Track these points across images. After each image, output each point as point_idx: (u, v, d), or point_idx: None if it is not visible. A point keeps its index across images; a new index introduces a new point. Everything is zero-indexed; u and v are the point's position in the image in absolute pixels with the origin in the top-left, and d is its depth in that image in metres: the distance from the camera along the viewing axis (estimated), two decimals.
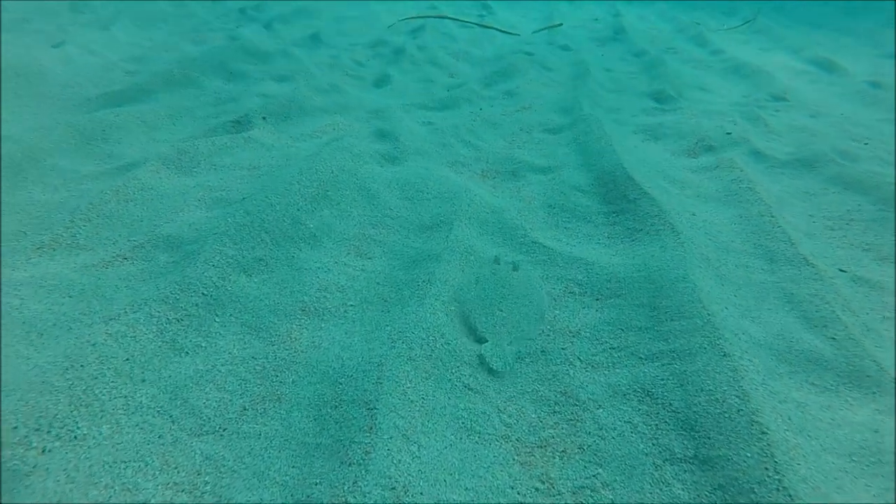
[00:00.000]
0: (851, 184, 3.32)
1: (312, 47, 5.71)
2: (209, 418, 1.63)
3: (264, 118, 3.74)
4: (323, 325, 2.05)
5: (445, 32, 6.75)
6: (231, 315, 2.02)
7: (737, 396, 1.64)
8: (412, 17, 7.15)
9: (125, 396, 1.62)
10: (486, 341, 2.02)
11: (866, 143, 4.05)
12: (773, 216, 2.86)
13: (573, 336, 2.08)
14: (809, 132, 4.29)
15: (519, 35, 7.20)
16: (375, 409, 1.60)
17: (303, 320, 2.06)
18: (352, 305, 2.16)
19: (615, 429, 1.67)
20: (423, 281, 2.22)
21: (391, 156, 3.33)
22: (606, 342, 2.03)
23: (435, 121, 4.09)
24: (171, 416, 1.61)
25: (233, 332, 1.96)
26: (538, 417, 1.73)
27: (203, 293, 2.04)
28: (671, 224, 2.66)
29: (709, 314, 2.01)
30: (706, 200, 3.11)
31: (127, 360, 1.72)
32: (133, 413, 1.59)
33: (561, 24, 7.26)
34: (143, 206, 2.64)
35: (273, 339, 1.96)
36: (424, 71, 5.36)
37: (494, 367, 1.92)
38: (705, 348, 1.85)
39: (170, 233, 2.39)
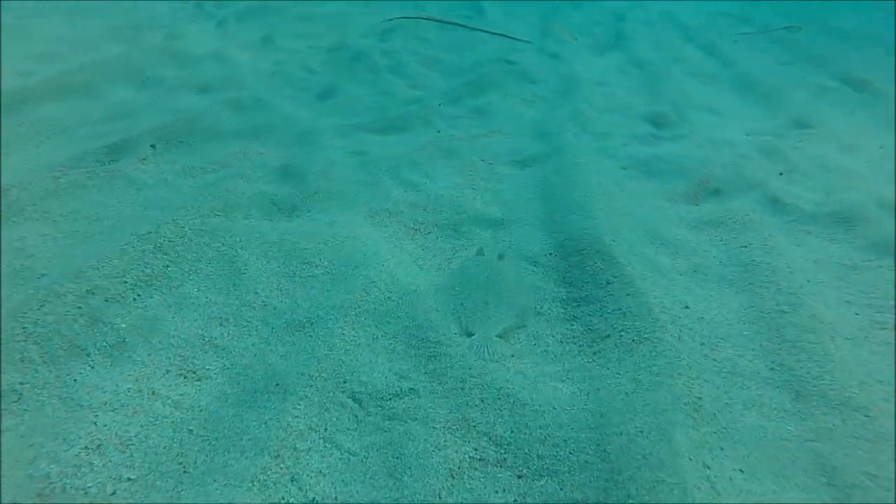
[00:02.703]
0: None
1: (259, 50, 4.87)
2: None
3: (153, 146, 2.92)
4: None
5: (420, 36, 5.89)
6: None
7: None
8: (398, 18, 6.29)
9: None
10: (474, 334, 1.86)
11: None
12: (797, 311, 2.00)
13: None
14: (842, 173, 3.39)
15: (531, 42, 6.31)
16: None
17: None
18: (129, 479, 1.34)
19: None
20: (256, 436, 1.40)
21: (289, 203, 2.49)
22: None
23: (372, 148, 3.24)
24: None
25: None
26: None
27: None
28: (653, 331, 1.81)
29: None
30: (706, 279, 2.24)
31: None
32: None
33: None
34: None
35: None
36: (383, 81, 4.51)
37: None
38: None
39: None
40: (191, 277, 1.94)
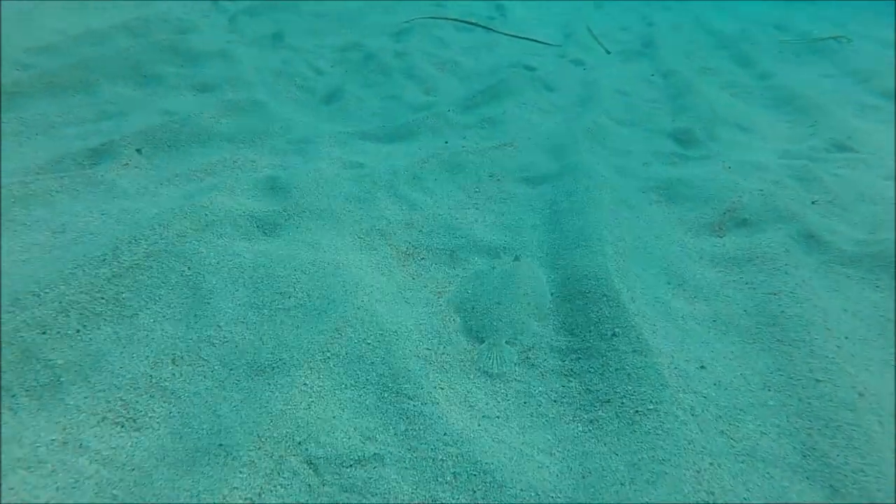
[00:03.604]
0: None
1: (268, 48, 4.70)
2: None
3: (139, 150, 2.75)
4: None
5: (438, 37, 5.64)
6: None
7: None
8: (417, 18, 6.06)
9: None
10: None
11: None
12: (834, 379, 1.71)
13: None
14: (887, 204, 3.05)
15: (560, 45, 6.01)
16: None
17: None
18: None
19: None
20: None
21: (271, 221, 2.29)
22: None
23: (371, 159, 3.02)
24: None
25: None
26: None
27: None
28: (660, 400, 1.55)
29: None
30: (727, 332, 1.96)
31: None
32: None
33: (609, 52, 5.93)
34: None
35: None
36: (394, 84, 4.29)
37: None
38: None
39: None
40: (148, 306, 1.75)
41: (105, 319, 1.67)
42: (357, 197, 2.61)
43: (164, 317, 1.74)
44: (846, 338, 1.96)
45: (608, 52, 6.01)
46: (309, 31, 5.36)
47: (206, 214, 2.14)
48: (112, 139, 2.76)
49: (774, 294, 2.13)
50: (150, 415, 1.48)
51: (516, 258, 2.26)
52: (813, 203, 2.99)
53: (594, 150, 3.49)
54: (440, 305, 2.00)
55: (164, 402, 1.52)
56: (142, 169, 2.63)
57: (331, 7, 6.31)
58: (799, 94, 4.99)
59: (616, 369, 1.67)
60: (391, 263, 2.25)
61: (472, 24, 6.11)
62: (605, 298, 1.90)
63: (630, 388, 1.59)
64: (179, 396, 1.54)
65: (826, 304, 2.12)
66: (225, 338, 1.72)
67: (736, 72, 5.68)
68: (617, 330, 1.78)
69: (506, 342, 1.82)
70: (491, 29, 6.09)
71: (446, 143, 3.46)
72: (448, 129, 3.65)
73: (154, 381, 1.56)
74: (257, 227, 2.24)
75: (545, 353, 1.80)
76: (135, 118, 3.07)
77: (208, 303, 1.81)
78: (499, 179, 3.12)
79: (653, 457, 1.37)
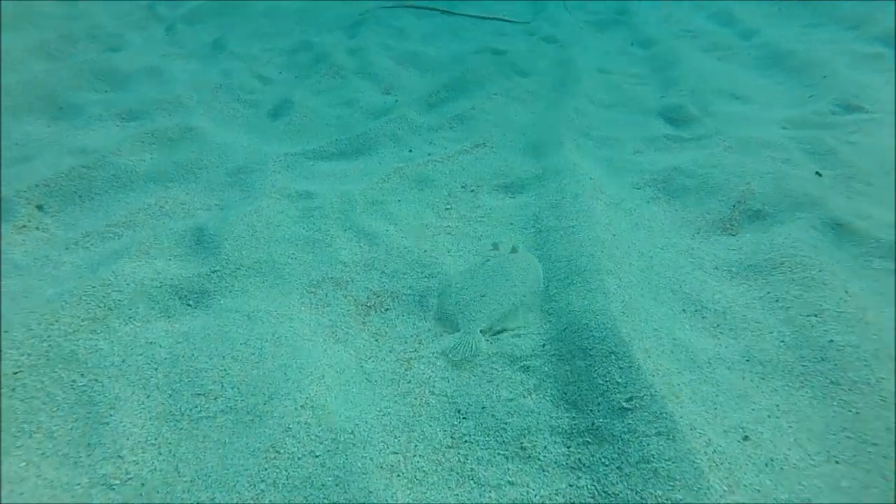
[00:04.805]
0: None
1: (207, 59, 4.16)
2: None
3: (40, 206, 2.27)
4: None
5: (395, 26, 5.10)
6: None
7: None
8: (378, 7, 5.49)
9: None
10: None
11: None
12: None
13: None
14: None
15: (528, 22, 5.47)
16: None
17: None
18: None
19: None
20: None
21: (197, 288, 1.83)
22: None
23: (320, 187, 2.55)
24: None
25: None
26: None
27: None
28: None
29: None
30: (765, 373, 1.54)
31: None
32: None
33: None
34: None
35: None
36: (349, 87, 3.78)
37: None
38: None
39: None
40: (20, 440, 1.32)
41: None
42: (305, 239, 2.16)
43: (42, 455, 1.30)
44: None
45: (570, 12, 5.50)
46: (255, 34, 4.81)
47: (109, 294, 1.69)
48: (6, 194, 2.28)
49: (815, 315, 1.72)
50: None
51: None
52: (839, 179, 2.58)
53: (578, 143, 3.04)
54: (408, 380, 1.58)
55: None
56: (43, 231, 2.16)
57: (281, 5, 5.73)
58: (789, 50, 4.53)
59: (638, 462, 1.26)
60: (348, 322, 1.82)
61: (431, 9, 5.57)
62: (612, 357, 1.48)
63: (660, 492, 1.19)
64: None
65: (881, 320, 1.72)
66: (128, 474, 1.29)
67: (718, 32, 5.19)
68: (632, 401, 1.37)
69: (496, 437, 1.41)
70: (452, 12, 5.55)
71: (410, 151, 3.00)
72: (411, 134, 3.18)
73: None
74: (179, 298, 1.79)
75: (545, 438, 1.39)
76: (41, 163, 2.58)
77: (107, 423, 1.38)
78: (472, 190, 2.67)
79: None
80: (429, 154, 2.97)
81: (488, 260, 2.02)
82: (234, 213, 2.20)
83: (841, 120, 3.29)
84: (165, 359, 1.55)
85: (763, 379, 1.55)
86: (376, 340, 1.77)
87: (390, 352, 1.71)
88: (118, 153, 2.61)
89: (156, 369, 1.52)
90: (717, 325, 1.77)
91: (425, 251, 2.15)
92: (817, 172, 2.64)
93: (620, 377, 1.43)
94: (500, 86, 3.89)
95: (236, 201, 2.38)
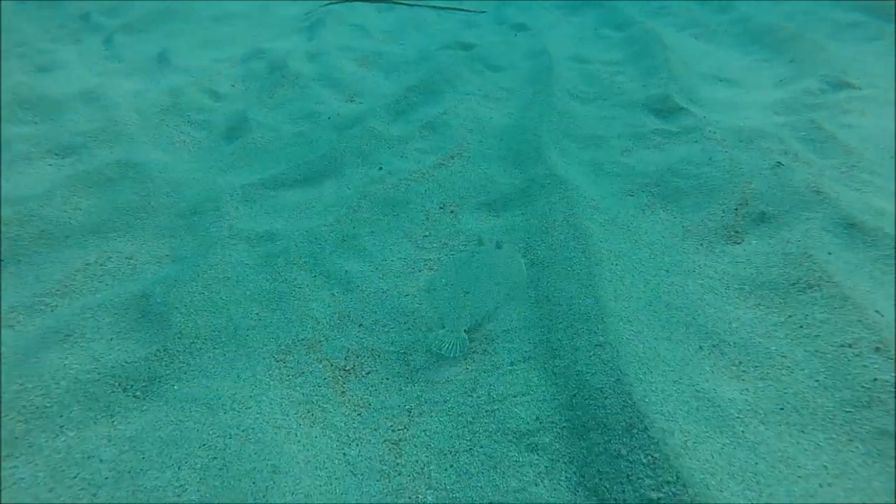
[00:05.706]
0: None
1: (152, 76, 3.77)
2: None
3: None
4: None
5: (356, 24, 4.73)
6: None
7: None
8: (327, 4, 5.09)
9: None
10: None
11: None
12: None
13: None
14: None
15: (487, 12, 5.11)
16: None
17: None
18: None
19: None
20: None
21: (144, 374, 1.54)
22: None
23: (284, 224, 2.26)
24: None
25: None
26: None
27: None
28: None
29: None
30: (805, 425, 1.35)
31: None
32: None
33: None
34: None
35: None
36: (310, 97, 3.45)
37: None
38: None
39: None
40: None
41: None
42: (269, 293, 1.88)
43: None
44: None
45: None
46: (204, 43, 4.41)
47: (32, 401, 1.40)
48: None
49: (849, 346, 1.53)
50: None
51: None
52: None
53: (561, 146, 2.79)
54: (399, 471, 1.34)
55: None
56: None
57: (231, 7, 5.28)
58: (767, 24, 4.31)
59: None
60: (325, 395, 1.57)
61: (391, 1, 5.19)
62: (632, 429, 1.26)
63: None
64: None
65: None
66: None
67: (693, 8, 4.95)
68: (664, 488, 1.16)
69: None
70: (413, 4, 5.19)
71: (380, 169, 2.71)
72: (381, 148, 2.89)
73: None
74: (123, 390, 1.51)
75: None
76: None
77: None
78: (452, 211, 2.41)
79: None
80: (400, 171, 2.68)
81: (473, 255, 2.03)
82: (185, 270, 1.90)
83: (832, 99, 3.10)
84: (107, 478, 1.28)
85: (803, 433, 1.35)
86: (359, 415, 1.52)
87: (376, 430, 1.46)
88: (48, 203, 2.28)
89: (95, 495, 1.25)
90: (740, 363, 1.56)
91: (406, 296, 1.90)
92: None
93: (645, 458, 1.21)
94: (472, 84, 3.60)
95: (189, 251, 2.08)
